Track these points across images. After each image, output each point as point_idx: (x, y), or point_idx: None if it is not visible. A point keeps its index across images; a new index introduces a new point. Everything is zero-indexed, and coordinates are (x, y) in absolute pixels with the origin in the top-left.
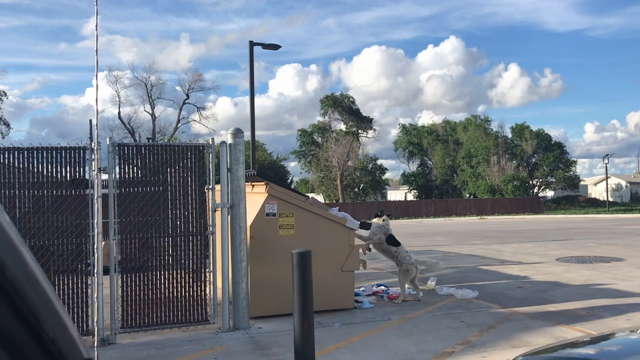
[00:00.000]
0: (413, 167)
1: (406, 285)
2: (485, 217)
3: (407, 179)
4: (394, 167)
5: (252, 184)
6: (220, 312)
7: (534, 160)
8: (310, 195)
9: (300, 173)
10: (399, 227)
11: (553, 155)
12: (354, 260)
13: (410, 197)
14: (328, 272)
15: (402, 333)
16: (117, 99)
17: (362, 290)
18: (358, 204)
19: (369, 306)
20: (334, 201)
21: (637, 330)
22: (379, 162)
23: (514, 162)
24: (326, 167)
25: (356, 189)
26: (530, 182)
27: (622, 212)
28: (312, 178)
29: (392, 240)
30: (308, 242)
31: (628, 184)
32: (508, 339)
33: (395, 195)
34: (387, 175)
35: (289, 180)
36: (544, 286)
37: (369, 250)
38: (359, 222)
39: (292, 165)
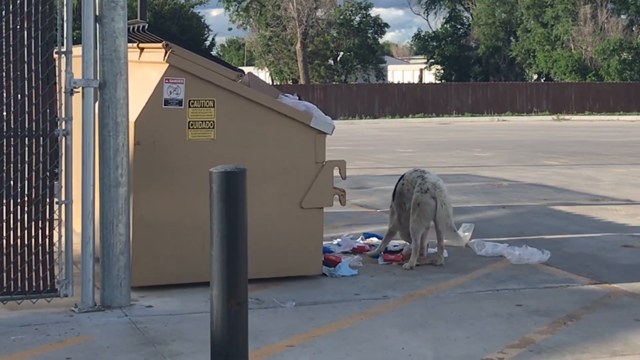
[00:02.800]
0: (436, 23)
1: (421, 235)
2: (568, 116)
3: (424, 46)
4: (401, 23)
5: (141, 46)
6: (79, 277)
7: None
8: (247, 69)
9: (230, 29)
10: (408, 131)
11: None
12: (324, 190)
13: (429, 77)
14: (276, 210)
15: (409, 323)
16: None
17: (338, 245)
18: (334, 87)
19: (350, 272)
20: (291, 82)
21: None
22: (374, 11)
23: (622, 17)
24: (276, 19)
25: (331, 61)
26: None
27: None
28: (250, 39)
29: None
30: (240, 155)
31: None
32: (604, 340)
33: (403, 73)
34: (389, 37)
35: (207, 43)
36: None
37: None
38: (332, 123)
39: (215, 16)
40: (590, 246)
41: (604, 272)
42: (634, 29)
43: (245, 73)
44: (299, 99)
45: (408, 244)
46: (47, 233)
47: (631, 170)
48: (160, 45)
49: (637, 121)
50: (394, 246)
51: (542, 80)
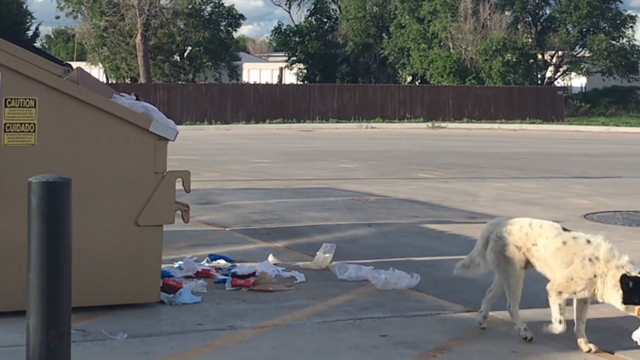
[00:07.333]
0: (300, 16)
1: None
2: (444, 124)
3: (285, 41)
4: (260, 15)
5: None
6: None
7: (548, 12)
8: (77, 65)
9: (57, 18)
10: (265, 139)
11: (588, 4)
12: (164, 205)
13: (290, 77)
14: (106, 228)
15: (259, 358)
16: None
17: (179, 268)
18: (180, 87)
19: (192, 299)
20: (129, 80)
21: None
22: (228, 1)
23: (506, 13)
24: (113, 7)
25: (177, 57)
26: (540, 57)
27: None
28: (82, 30)
29: None
30: (66, 163)
31: None
32: None
33: (260, 73)
34: (245, 30)
35: (30, 33)
36: None
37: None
38: (175, 127)
39: (40, 2)
40: None
41: (479, 298)
42: (519, 27)
43: (74, 68)
44: (137, 100)
45: (258, 267)
46: None
47: (511, 184)
48: None
49: (520, 130)
50: (246, 270)
51: (417, 83)
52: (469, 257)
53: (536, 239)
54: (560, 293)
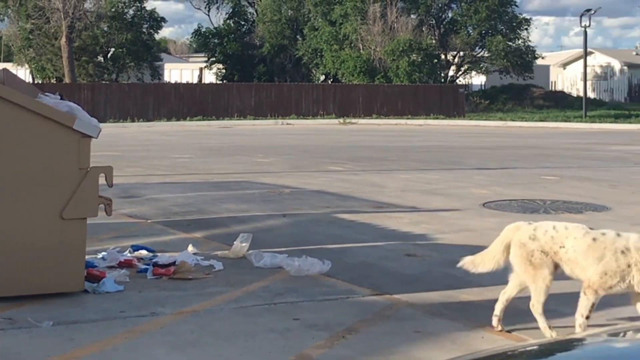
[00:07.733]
0: (219, 19)
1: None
2: (354, 120)
3: (205, 43)
4: (181, 18)
5: None
6: None
7: (450, 15)
8: (3, 66)
9: None
10: (186, 135)
11: (487, 7)
12: (88, 199)
13: (209, 77)
14: (32, 221)
15: (179, 342)
16: None
17: (103, 259)
18: (103, 87)
19: (115, 288)
20: (55, 80)
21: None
22: (150, 4)
23: (412, 16)
24: (39, 10)
25: (101, 58)
26: (443, 57)
27: (613, 119)
28: (8, 32)
29: None
30: None
31: (625, 68)
32: (383, 354)
33: (181, 73)
34: (166, 32)
35: None
36: (455, 254)
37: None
38: (98, 125)
39: None
40: (373, 255)
41: (386, 283)
42: (423, 29)
43: (0, 69)
44: (61, 99)
45: (179, 257)
46: None
47: (417, 176)
48: None
49: (424, 125)
50: (166, 260)
51: (329, 82)
52: (480, 256)
53: (563, 241)
54: (596, 291)
